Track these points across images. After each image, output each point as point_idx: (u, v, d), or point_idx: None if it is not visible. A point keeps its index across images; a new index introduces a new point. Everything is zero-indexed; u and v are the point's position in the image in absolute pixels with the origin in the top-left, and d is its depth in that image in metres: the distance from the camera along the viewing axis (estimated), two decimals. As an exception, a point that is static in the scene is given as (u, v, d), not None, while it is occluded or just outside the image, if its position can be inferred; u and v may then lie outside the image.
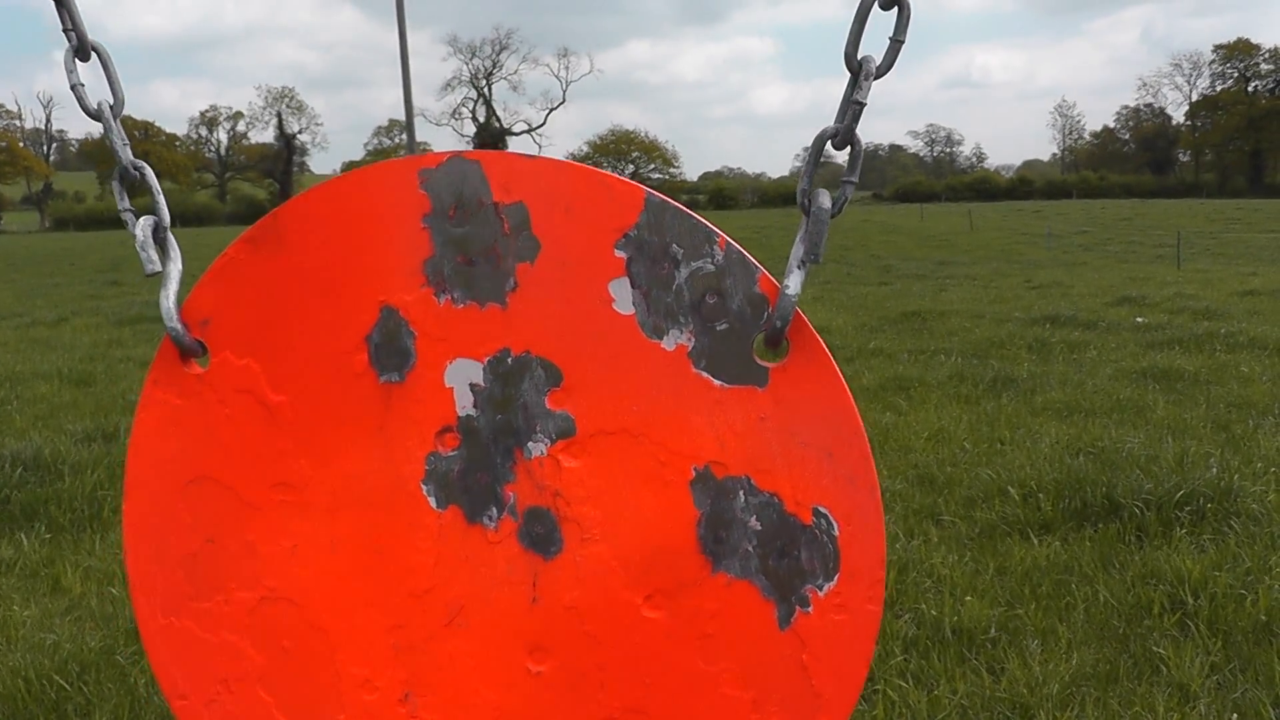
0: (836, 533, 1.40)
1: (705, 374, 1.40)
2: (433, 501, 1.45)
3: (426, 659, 1.46)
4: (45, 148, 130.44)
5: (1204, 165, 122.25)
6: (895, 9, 1.36)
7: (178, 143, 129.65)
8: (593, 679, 1.44)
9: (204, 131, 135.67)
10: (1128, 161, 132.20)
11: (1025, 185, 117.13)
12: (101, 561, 5.55)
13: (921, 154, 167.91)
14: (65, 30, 1.49)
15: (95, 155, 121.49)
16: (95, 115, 1.52)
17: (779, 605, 1.41)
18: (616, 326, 1.41)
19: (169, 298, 1.46)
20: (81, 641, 4.48)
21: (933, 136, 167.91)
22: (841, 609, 1.40)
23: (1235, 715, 3.66)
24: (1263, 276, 21.18)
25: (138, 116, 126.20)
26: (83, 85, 1.52)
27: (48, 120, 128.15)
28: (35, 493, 6.50)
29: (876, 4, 1.35)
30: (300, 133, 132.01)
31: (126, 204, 1.53)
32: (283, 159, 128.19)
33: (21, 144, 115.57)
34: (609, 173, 1.45)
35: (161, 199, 1.53)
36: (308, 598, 1.46)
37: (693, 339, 1.40)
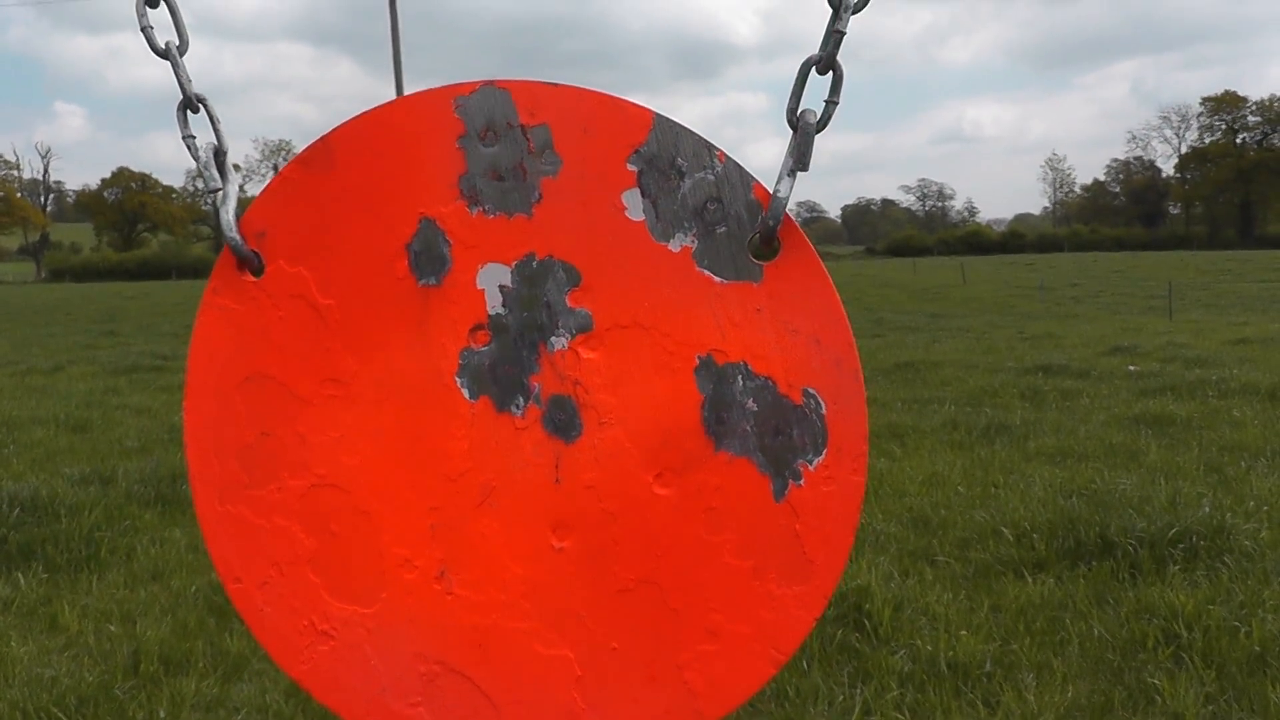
0: (824, 411, 1.54)
1: (707, 272, 1.54)
2: (466, 392, 1.58)
3: (460, 538, 1.58)
4: (42, 198, 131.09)
5: (1194, 217, 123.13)
6: None
7: (174, 195, 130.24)
8: (610, 552, 1.57)
9: (201, 184, 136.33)
10: (1119, 214, 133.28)
11: (1017, 239, 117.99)
12: (99, 600, 5.56)
13: (913, 208, 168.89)
14: None
15: (92, 207, 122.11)
16: (163, 54, 1.64)
17: (774, 479, 1.54)
18: (629, 231, 1.55)
19: (229, 212, 1.60)
20: (79, 676, 4.49)
21: (925, 191, 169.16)
22: (830, 480, 1.53)
23: (1229, 746, 3.69)
24: (1254, 326, 21.30)
25: (135, 168, 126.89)
26: (152, 28, 1.64)
27: (45, 171, 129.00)
28: (33, 533, 6.51)
29: None
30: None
31: (189, 130, 1.67)
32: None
33: (19, 194, 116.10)
34: (622, 97, 1.58)
35: (222, 128, 1.67)
36: (353, 484, 1.59)
37: (696, 241, 1.54)
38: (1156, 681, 4.14)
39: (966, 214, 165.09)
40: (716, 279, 1.54)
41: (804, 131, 1.51)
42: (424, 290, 1.58)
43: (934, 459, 8.65)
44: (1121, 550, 5.62)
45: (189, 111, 1.66)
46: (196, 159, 1.65)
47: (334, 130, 1.60)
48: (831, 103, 1.52)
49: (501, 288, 1.57)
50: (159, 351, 22.01)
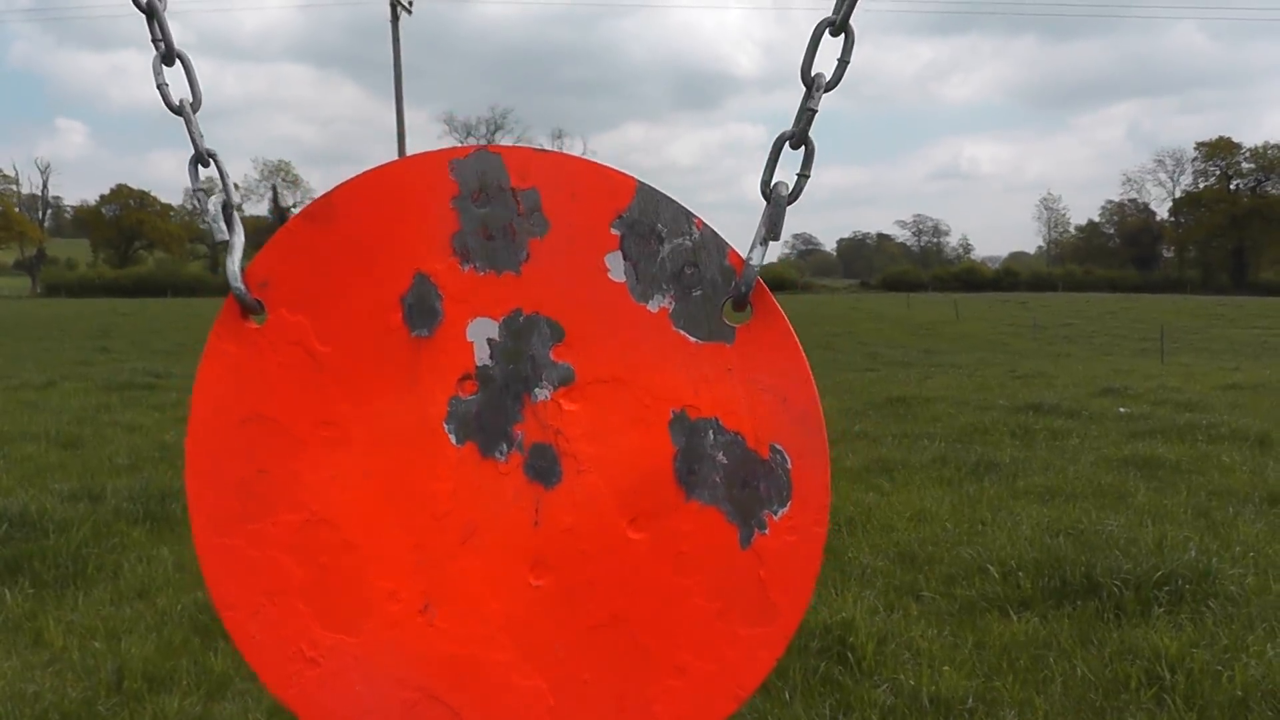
0: (790, 466, 1.63)
1: (683, 332, 1.65)
2: (453, 438, 1.68)
3: (443, 574, 1.68)
4: (40, 214, 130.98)
5: (1188, 261, 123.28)
6: (841, 35, 1.66)
7: (172, 213, 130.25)
8: (584, 591, 1.67)
9: (198, 202, 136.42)
10: (1112, 256, 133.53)
11: (1011, 277, 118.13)
12: (84, 617, 5.56)
13: (909, 244, 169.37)
14: (154, 40, 1.74)
15: (89, 223, 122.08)
16: (177, 111, 1.76)
17: (741, 528, 1.64)
18: (610, 292, 1.66)
19: (234, 263, 1.70)
20: (63, 693, 4.49)
21: (920, 226, 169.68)
22: (793, 531, 1.63)
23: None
24: (1245, 372, 21.39)
25: (134, 185, 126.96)
26: (167, 85, 1.75)
27: (44, 186, 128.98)
28: (20, 548, 6.51)
29: (827, 31, 1.65)
30: (294, 206, 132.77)
31: (199, 183, 1.77)
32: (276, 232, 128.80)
33: (17, 209, 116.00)
34: (607, 164, 1.68)
35: (230, 182, 1.78)
36: (344, 520, 1.69)
37: (673, 303, 1.65)
38: (1138, 722, 4.16)
39: (961, 251, 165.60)
40: (691, 339, 1.64)
41: (776, 203, 1.62)
42: (416, 341, 1.68)
43: (923, 495, 8.67)
44: (1107, 591, 5.64)
45: (200, 165, 1.78)
46: (205, 212, 1.75)
47: (336, 187, 1.71)
48: (803, 176, 1.63)
49: (489, 341, 1.67)
50: (152, 369, 22.01)
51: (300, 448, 1.69)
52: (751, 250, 1.62)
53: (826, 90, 1.64)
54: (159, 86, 1.74)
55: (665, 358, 1.65)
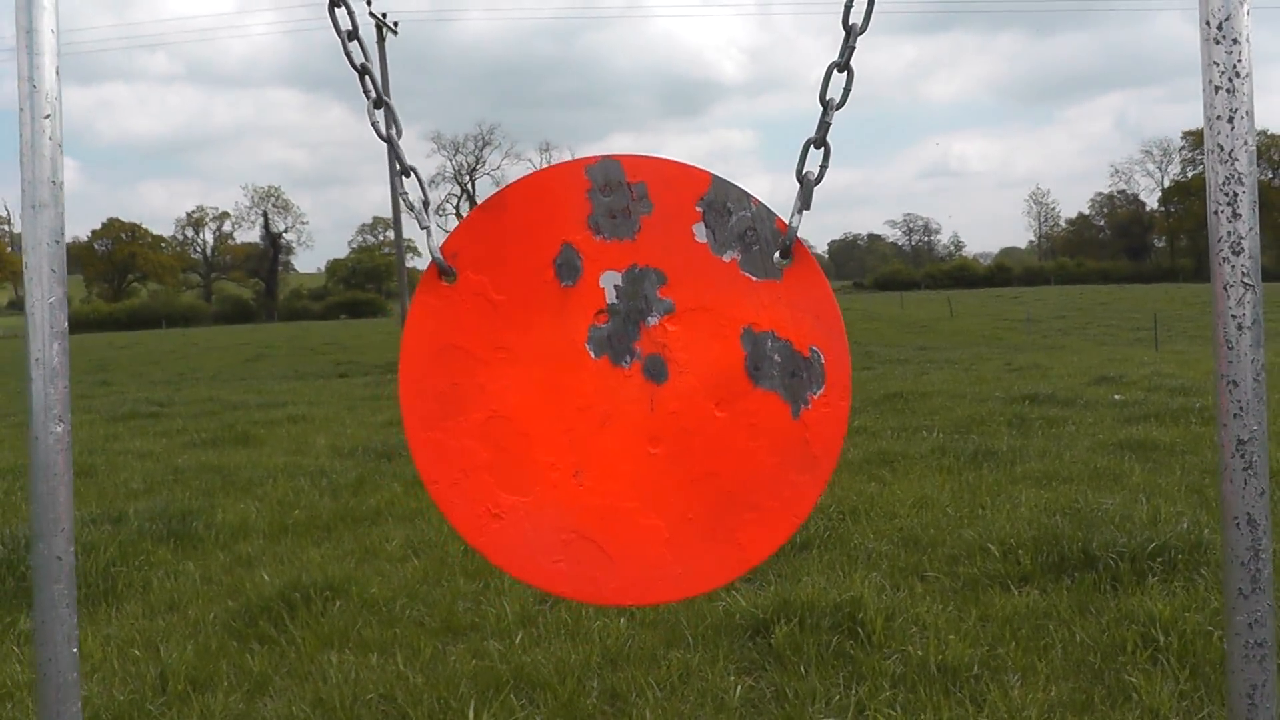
0: (823, 361, 2.32)
1: (747, 274, 2.34)
2: (592, 354, 2.36)
3: (588, 449, 2.35)
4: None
5: (1179, 250, 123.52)
6: (845, 72, 2.35)
7: (163, 244, 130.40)
8: (686, 455, 2.34)
9: (190, 232, 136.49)
10: (1104, 247, 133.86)
11: (1004, 272, 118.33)
12: (120, 629, 5.76)
13: (900, 243, 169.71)
14: (365, 92, 2.43)
15: (82, 258, 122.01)
16: (385, 139, 2.43)
17: (791, 405, 2.32)
18: (697, 249, 2.35)
19: (433, 239, 2.37)
20: (110, 696, 4.70)
21: (911, 225, 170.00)
22: (827, 405, 2.32)
23: (1203, 736, 3.91)
24: (1237, 354, 21.56)
25: (125, 218, 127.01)
26: (379, 122, 2.45)
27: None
28: (51, 568, 6.69)
29: (835, 70, 2.35)
30: (286, 231, 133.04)
31: (403, 189, 2.43)
32: (268, 258, 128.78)
33: (9, 248, 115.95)
34: (689, 163, 2.39)
35: (426, 186, 2.48)
36: (516, 415, 2.36)
37: (740, 254, 2.34)
38: (1134, 680, 4.37)
39: (953, 248, 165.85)
40: (753, 278, 2.34)
41: (806, 184, 2.33)
42: (564, 289, 2.36)
43: (923, 483, 8.89)
44: (1103, 564, 5.86)
45: (404, 176, 2.44)
46: (411, 208, 2.42)
47: (505, 187, 2.43)
48: (824, 168, 2.36)
49: (615, 286, 2.36)
50: (154, 399, 22.24)
51: (482, 366, 2.37)
52: (791, 217, 2.32)
53: (838, 109, 2.35)
54: (373, 124, 2.42)
55: (736, 292, 2.33)
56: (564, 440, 2.35)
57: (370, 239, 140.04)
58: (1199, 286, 77.30)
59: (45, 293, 2.24)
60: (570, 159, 2.41)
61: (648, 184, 2.36)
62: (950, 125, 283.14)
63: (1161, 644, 4.73)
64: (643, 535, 2.35)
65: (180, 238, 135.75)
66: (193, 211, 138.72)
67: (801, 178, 2.33)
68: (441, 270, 2.39)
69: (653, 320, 2.35)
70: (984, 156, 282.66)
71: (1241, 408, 1.98)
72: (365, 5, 44.13)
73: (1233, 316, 1.96)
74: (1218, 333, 1.99)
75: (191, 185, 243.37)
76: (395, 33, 48.03)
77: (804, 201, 2.33)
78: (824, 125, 2.33)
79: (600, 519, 2.35)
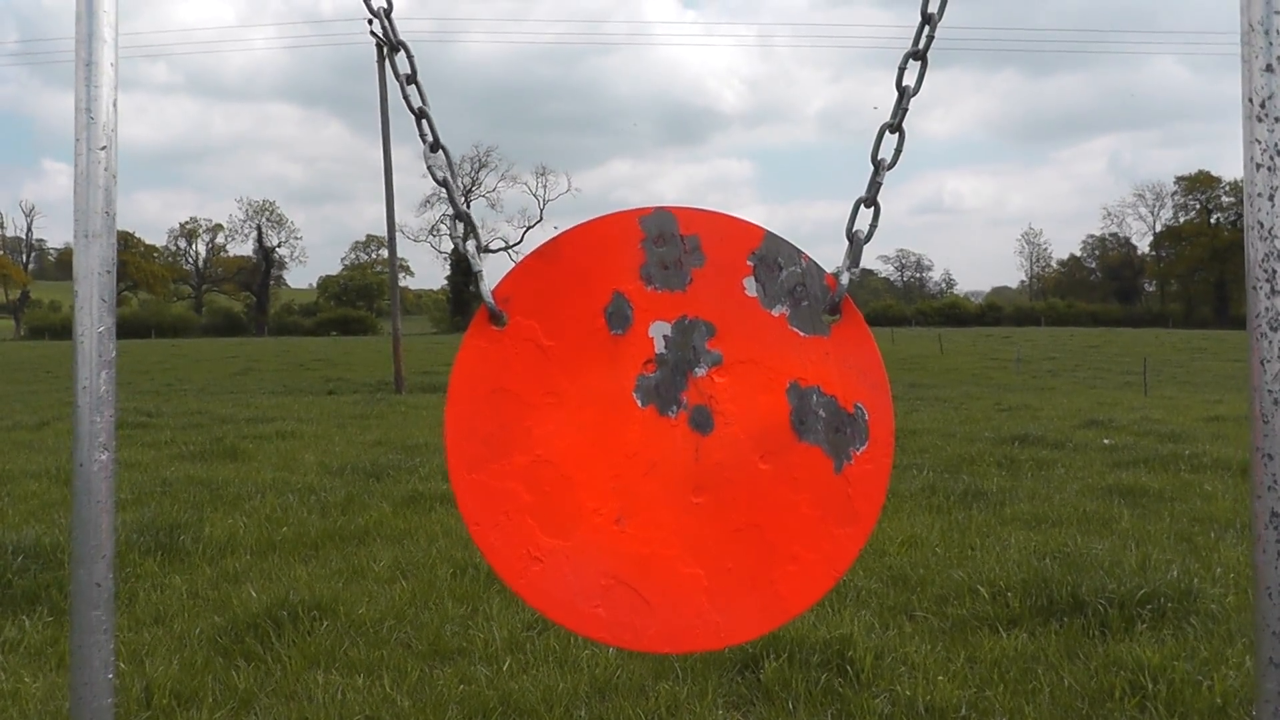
0: (867, 417, 2.36)
1: (795, 329, 2.37)
2: (639, 402, 2.38)
3: (632, 496, 2.37)
4: (24, 256, 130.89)
5: (1170, 295, 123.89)
6: (897, 134, 2.46)
7: (156, 254, 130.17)
8: (729, 505, 2.36)
9: (183, 243, 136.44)
10: (1094, 290, 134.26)
11: (994, 311, 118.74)
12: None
13: (892, 279, 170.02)
14: (421, 136, 2.47)
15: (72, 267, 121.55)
16: (441, 183, 2.48)
17: (835, 460, 2.35)
18: (747, 303, 2.39)
19: (485, 285, 2.40)
20: (94, 710, 4.66)
21: (903, 261, 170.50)
22: (869, 461, 2.36)
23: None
24: (1228, 404, 21.71)
25: (118, 227, 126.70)
26: (433, 167, 2.48)
27: (29, 229, 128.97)
28: (37, 578, 6.67)
29: (886, 130, 2.45)
30: (279, 245, 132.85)
31: (459, 233, 2.47)
32: (260, 272, 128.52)
33: (1, 252, 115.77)
34: (741, 218, 2.42)
35: (479, 232, 2.51)
36: (561, 460, 2.38)
37: (789, 310, 2.38)
38: (1123, 727, 4.37)
39: (944, 285, 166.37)
40: (801, 334, 2.37)
41: (856, 243, 2.41)
42: (614, 338, 2.39)
43: (913, 522, 8.89)
44: (1092, 609, 5.86)
45: (458, 221, 2.46)
46: (466, 253, 2.47)
47: (560, 234, 2.46)
48: (874, 226, 2.43)
49: (664, 336, 2.39)
50: (143, 408, 22.12)
51: (530, 410, 2.39)
52: (840, 275, 2.38)
53: (889, 169, 2.41)
54: (429, 168, 2.47)
55: (784, 346, 2.37)
56: (608, 486, 2.37)
57: (364, 256, 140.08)
58: (1189, 332, 77.69)
59: (95, 322, 2.25)
60: (622, 210, 2.44)
61: (700, 237, 2.39)
62: (946, 162, 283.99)
63: (1150, 691, 4.73)
64: (683, 583, 2.36)
65: (173, 248, 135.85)
66: (186, 222, 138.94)
67: (851, 235, 2.40)
68: (492, 315, 2.41)
69: (700, 371, 2.37)
70: (977, 194, 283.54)
71: (1276, 480, 1.99)
72: (367, 24, 44.21)
73: (1269, 391, 1.97)
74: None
75: (186, 196, 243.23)
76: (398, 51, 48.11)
77: (853, 259, 2.39)
78: (874, 185, 2.40)
79: (641, 566, 2.37)
